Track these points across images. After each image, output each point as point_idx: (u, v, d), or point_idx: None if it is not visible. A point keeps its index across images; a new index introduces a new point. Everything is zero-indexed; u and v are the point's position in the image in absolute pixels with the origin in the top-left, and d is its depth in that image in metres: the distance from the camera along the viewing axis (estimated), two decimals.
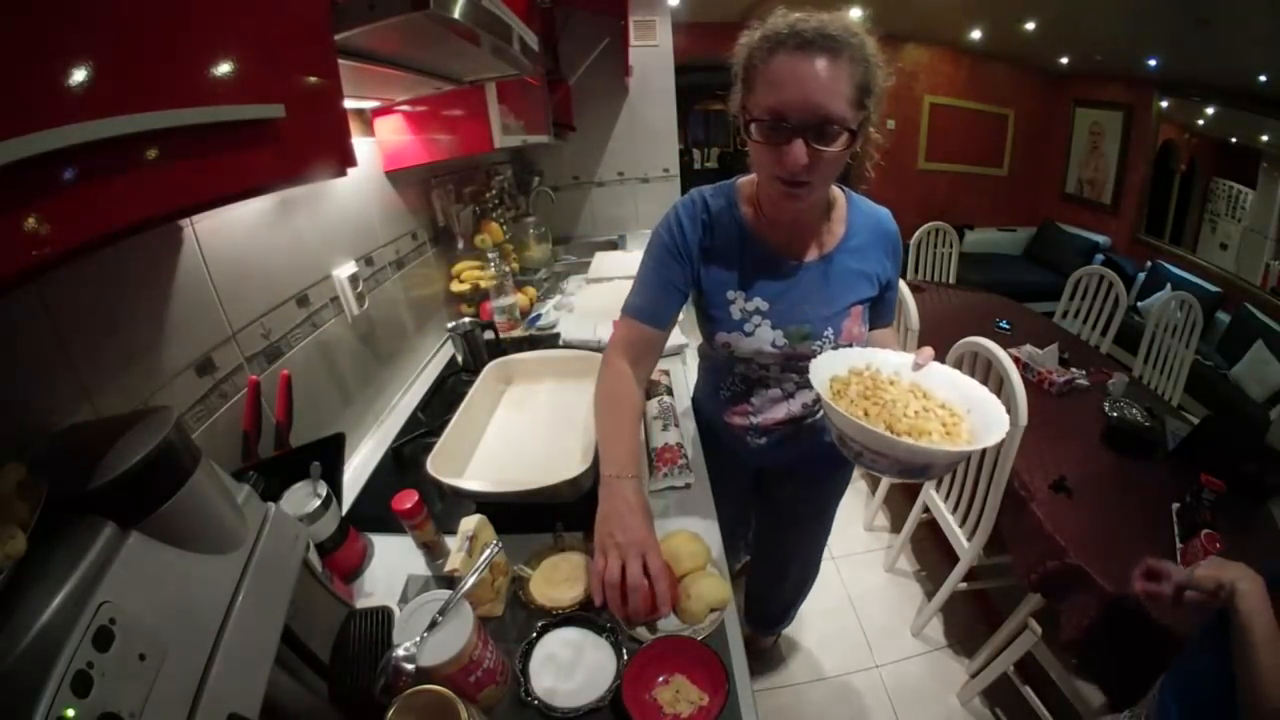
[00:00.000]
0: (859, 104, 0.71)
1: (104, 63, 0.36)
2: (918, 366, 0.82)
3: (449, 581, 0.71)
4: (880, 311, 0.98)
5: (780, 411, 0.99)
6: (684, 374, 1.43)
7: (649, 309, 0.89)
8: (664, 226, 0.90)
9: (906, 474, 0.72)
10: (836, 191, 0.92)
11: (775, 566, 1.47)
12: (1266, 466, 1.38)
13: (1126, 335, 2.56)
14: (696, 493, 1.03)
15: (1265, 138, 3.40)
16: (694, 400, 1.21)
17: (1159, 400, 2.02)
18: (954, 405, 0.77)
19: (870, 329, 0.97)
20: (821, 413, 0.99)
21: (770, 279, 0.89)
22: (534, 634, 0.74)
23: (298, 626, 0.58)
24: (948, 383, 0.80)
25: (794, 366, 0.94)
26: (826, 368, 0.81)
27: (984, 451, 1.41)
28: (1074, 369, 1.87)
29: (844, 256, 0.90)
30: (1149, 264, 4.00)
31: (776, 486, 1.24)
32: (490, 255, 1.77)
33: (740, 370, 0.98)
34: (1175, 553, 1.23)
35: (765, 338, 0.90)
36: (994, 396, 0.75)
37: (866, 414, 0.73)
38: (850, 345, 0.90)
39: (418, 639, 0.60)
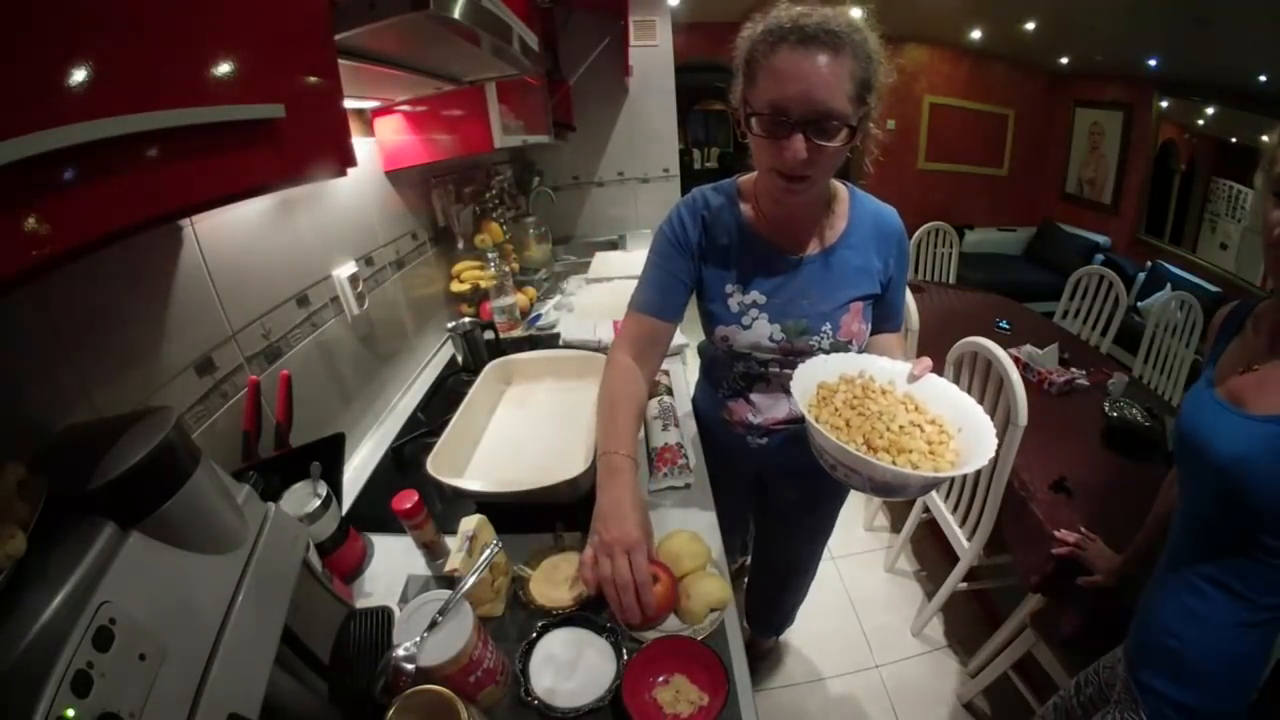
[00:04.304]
0: (859, 100, 0.71)
1: (104, 62, 0.36)
2: (914, 378, 0.80)
3: (449, 581, 0.71)
4: (885, 315, 0.95)
5: (781, 410, 0.98)
6: (684, 374, 1.42)
7: (655, 301, 0.90)
8: (667, 223, 0.92)
9: (880, 492, 0.71)
10: (839, 186, 0.91)
11: (776, 571, 1.46)
12: None
13: (1126, 335, 2.56)
14: (696, 493, 1.03)
15: (1265, 138, 3.39)
16: (694, 401, 1.20)
17: (1159, 400, 2.01)
18: (945, 422, 0.75)
19: (876, 334, 0.95)
20: None
21: (768, 273, 0.89)
22: (534, 634, 0.74)
23: (298, 626, 0.58)
24: (943, 397, 0.78)
25: (793, 363, 0.94)
26: (817, 374, 0.80)
27: None
28: (1074, 369, 1.86)
29: (845, 252, 0.89)
30: (1149, 264, 3.99)
31: (778, 490, 1.23)
32: (490, 255, 1.77)
33: (740, 367, 0.97)
34: None
35: (763, 331, 0.90)
36: (989, 419, 0.73)
37: (849, 424, 0.72)
38: (850, 343, 0.89)
39: (418, 639, 0.60)
